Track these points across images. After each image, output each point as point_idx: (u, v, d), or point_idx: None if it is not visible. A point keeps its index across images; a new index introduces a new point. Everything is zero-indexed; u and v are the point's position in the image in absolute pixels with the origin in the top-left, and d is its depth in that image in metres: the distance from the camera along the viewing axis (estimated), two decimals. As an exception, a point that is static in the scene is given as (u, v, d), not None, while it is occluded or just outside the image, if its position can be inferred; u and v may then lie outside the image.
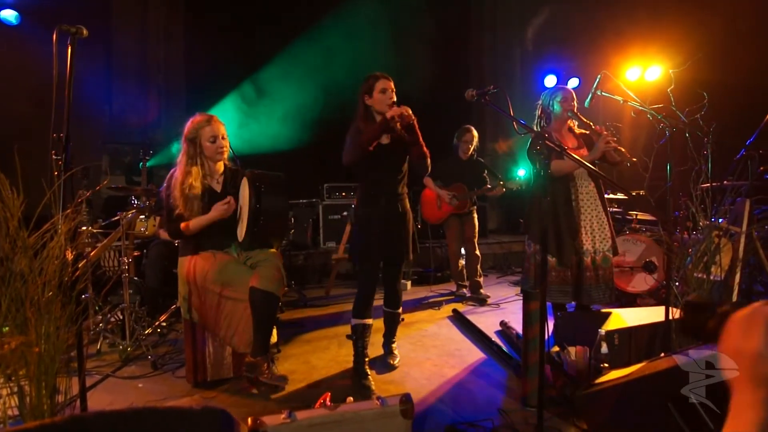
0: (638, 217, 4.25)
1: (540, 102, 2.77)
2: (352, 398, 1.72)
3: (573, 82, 5.79)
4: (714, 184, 2.44)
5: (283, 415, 1.26)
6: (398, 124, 2.20)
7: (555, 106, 2.70)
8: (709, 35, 4.24)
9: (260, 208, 2.10)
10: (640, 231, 4.07)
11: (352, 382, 2.34)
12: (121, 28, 5.15)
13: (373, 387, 2.25)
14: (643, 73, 5.08)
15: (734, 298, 2.60)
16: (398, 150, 2.37)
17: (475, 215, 4.04)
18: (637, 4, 5.34)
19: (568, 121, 2.73)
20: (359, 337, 2.38)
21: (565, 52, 6.34)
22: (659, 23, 4.86)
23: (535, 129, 2.38)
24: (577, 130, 2.77)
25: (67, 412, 1.49)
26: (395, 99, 2.30)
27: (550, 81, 6.28)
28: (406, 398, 1.33)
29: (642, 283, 3.76)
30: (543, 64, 6.56)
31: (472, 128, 3.98)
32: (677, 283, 2.37)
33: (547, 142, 1.60)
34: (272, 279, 2.16)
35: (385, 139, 2.34)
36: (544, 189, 1.61)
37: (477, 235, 4.05)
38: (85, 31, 1.57)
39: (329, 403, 1.70)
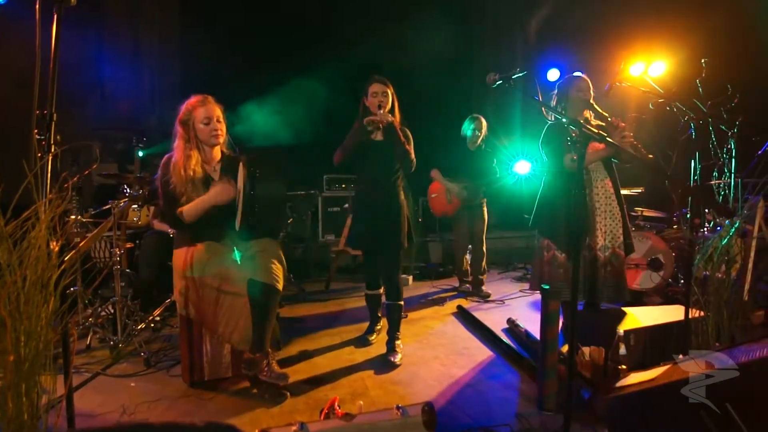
0: (644, 213, 4.17)
1: (555, 91, 2.65)
2: (362, 402, 1.61)
3: (569, 76, 5.67)
4: (738, 179, 2.35)
5: (294, 427, 1.14)
6: (379, 126, 2.42)
7: (570, 96, 2.58)
8: (712, 30, 4.14)
9: (255, 194, 1.97)
10: (645, 228, 4.00)
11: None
12: (112, 8, 4.93)
13: (373, 341, 2.75)
14: (646, 68, 4.97)
15: (745, 297, 2.53)
16: (390, 147, 2.49)
17: (485, 209, 3.91)
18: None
19: (585, 112, 2.61)
20: (370, 304, 2.84)
21: (567, 46, 6.22)
22: (663, 17, 4.75)
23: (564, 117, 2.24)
24: (594, 122, 2.65)
25: (52, 416, 1.36)
26: (386, 102, 2.45)
27: (553, 74, 6.17)
28: (428, 407, 1.21)
29: (648, 280, 3.69)
30: (545, 57, 6.44)
31: (480, 117, 3.84)
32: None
33: (584, 128, 1.47)
34: (272, 271, 2.04)
35: (378, 136, 2.53)
36: (580, 182, 1.49)
37: (485, 230, 3.92)
38: (73, -1, 1.42)
39: (338, 408, 1.59)
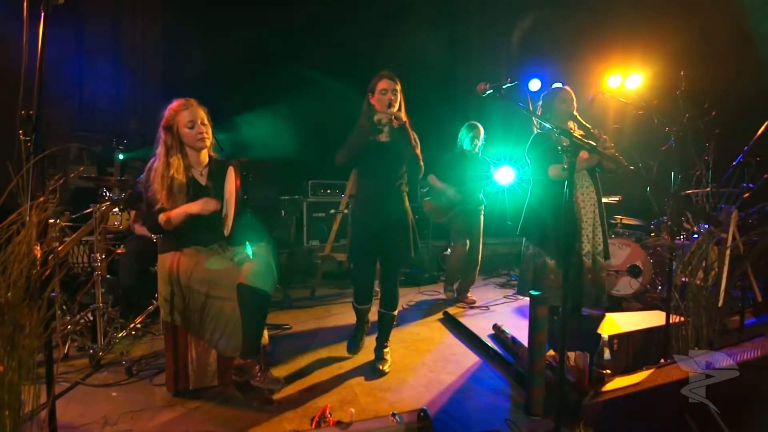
0: (623, 221, 4.29)
1: (540, 103, 2.72)
2: (353, 410, 1.60)
3: (553, 87, 5.81)
4: (711, 189, 2.45)
5: (289, 436, 1.12)
6: (392, 124, 2.23)
7: (554, 108, 2.64)
8: (686, 44, 4.32)
9: (248, 199, 1.93)
10: (624, 235, 4.11)
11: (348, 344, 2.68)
12: (93, 6, 4.80)
13: (360, 345, 2.66)
14: (623, 80, 5.14)
15: (720, 303, 2.63)
16: (396, 149, 2.33)
17: (482, 216, 3.90)
18: (618, 12, 5.41)
19: (568, 123, 2.68)
20: (359, 317, 2.65)
21: (549, 57, 6.38)
22: (640, 31, 4.92)
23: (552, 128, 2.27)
24: (577, 133, 2.72)
25: (34, 427, 1.30)
26: (395, 100, 2.27)
27: (535, 84, 6.32)
28: (423, 414, 1.21)
29: (627, 286, 3.79)
30: (527, 67, 6.59)
31: (478, 124, 3.85)
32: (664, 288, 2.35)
33: (575, 139, 1.51)
34: (262, 274, 2.00)
35: (383, 137, 2.36)
36: (570, 190, 1.52)
37: (481, 238, 3.91)
38: (60, -3, 1.38)
39: (329, 416, 1.57)
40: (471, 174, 3.81)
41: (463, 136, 3.85)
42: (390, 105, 2.23)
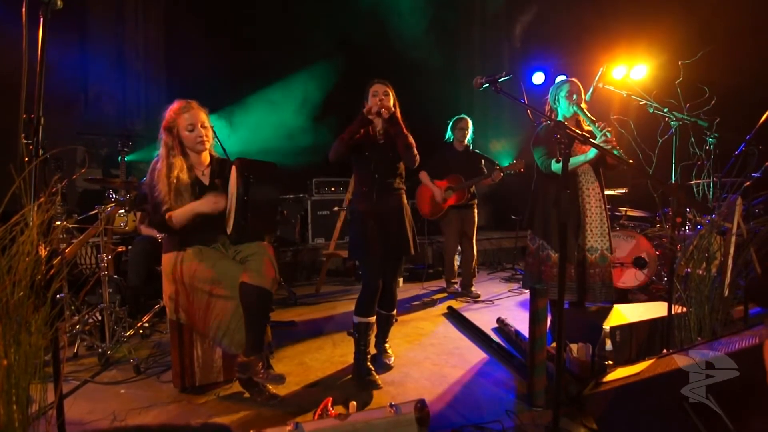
0: (628, 213, 4.26)
1: (548, 95, 2.70)
2: (354, 402, 1.62)
3: (560, 80, 5.78)
4: (713, 179, 2.43)
5: (289, 427, 1.14)
6: (381, 115, 2.28)
7: (561, 100, 2.63)
8: (690, 35, 4.27)
9: (248, 199, 1.95)
10: (630, 227, 4.09)
11: (355, 380, 2.27)
12: (96, 10, 4.86)
13: (380, 381, 2.22)
14: (628, 71, 5.09)
15: (725, 294, 2.60)
16: (392, 145, 2.36)
17: (476, 210, 3.94)
18: (623, 3, 5.36)
19: (575, 115, 2.66)
20: (362, 336, 2.32)
21: (552, 50, 6.35)
22: (644, 22, 4.88)
23: (553, 119, 2.26)
24: (585, 127, 2.69)
25: (42, 424, 1.34)
26: (387, 101, 2.33)
27: (538, 78, 6.29)
28: (421, 404, 1.23)
29: (632, 278, 3.77)
30: (530, 60, 6.56)
31: (466, 117, 3.88)
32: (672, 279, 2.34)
33: (568, 131, 1.51)
34: (264, 273, 2.03)
35: (380, 138, 2.40)
36: (565, 181, 1.53)
37: (475, 231, 3.96)
38: (59, 2, 1.41)
39: (331, 408, 1.60)
40: (462, 168, 3.83)
41: (451, 130, 3.89)
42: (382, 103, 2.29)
